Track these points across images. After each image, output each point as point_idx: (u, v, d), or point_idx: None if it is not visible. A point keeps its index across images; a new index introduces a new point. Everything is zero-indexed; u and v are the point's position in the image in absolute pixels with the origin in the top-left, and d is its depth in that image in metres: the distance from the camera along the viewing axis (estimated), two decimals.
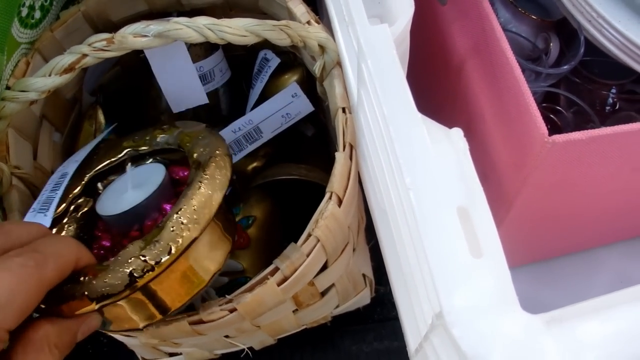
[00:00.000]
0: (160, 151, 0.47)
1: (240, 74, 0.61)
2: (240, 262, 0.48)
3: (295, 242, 0.41)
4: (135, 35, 0.37)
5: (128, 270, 0.34)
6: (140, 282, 0.34)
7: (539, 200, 0.46)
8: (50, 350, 0.32)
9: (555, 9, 0.56)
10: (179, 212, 0.36)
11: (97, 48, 0.37)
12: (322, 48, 0.42)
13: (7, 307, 0.28)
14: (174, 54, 0.42)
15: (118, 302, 0.35)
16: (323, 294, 0.49)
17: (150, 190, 0.41)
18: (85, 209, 0.46)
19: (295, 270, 0.41)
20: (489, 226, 0.28)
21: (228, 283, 0.48)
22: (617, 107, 0.59)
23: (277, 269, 0.40)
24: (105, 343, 0.64)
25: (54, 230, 0.44)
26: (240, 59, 0.61)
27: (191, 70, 0.43)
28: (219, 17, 0.40)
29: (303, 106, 0.54)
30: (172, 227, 0.36)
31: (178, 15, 0.54)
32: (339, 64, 0.44)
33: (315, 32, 0.41)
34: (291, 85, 0.54)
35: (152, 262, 0.34)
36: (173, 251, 0.35)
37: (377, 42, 0.32)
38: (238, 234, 0.48)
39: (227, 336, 0.48)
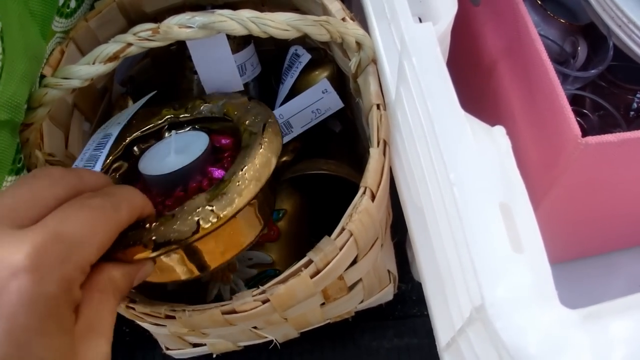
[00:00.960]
0: (200, 120, 0.50)
1: (269, 69, 0.61)
2: (269, 254, 0.48)
3: (322, 236, 0.42)
4: (180, 26, 0.37)
5: (196, 219, 0.36)
6: (205, 231, 0.36)
7: (567, 201, 0.46)
8: (113, 292, 0.33)
9: (583, 13, 0.56)
10: (244, 169, 0.39)
11: (142, 37, 0.38)
12: (358, 45, 0.43)
13: (90, 241, 0.30)
14: (214, 45, 0.43)
15: (176, 251, 0.37)
16: (350, 288, 0.50)
17: (196, 154, 0.43)
18: (122, 170, 0.47)
19: (328, 263, 0.41)
20: (530, 222, 0.28)
21: (256, 275, 0.49)
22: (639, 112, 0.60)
23: (310, 262, 0.41)
24: (128, 332, 0.65)
25: None
26: (271, 54, 0.62)
27: (230, 61, 0.44)
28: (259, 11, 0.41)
29: (333, 102, 0.55)
30: (238, 181, 0.38)
31: (212, 9, 0.55)
32: (374, 61, 0.45)
33: (353, 29, 0.42)
34: (322, 81, 0.55)
35: (220, 213, 0.37)
36: (237, 203, 0.37)
37: (422, 40, 0.32)
38: (268, 227, 0.48)
39: (255, 327, 0.49)
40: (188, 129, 0.50)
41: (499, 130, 0.30)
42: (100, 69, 0.38)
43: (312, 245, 0.41)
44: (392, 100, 0.41)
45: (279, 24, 0.37)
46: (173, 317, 0.42)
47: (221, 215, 0.37)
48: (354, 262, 0.45)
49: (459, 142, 0.29)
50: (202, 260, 0.40)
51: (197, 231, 0.36)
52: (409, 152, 0.37)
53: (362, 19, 0.47)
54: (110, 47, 0.38)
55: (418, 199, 0.37)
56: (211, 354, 0.60)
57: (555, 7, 0.59)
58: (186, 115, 0.50)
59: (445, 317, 0.36)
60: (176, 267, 0.39)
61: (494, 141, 0.30)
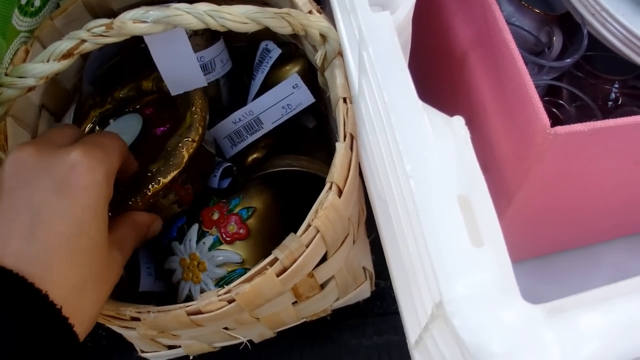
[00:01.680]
0: (125, 104, 0.57)
1: (241, 65, 0.60)
2: (239, 253, 0.47)
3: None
4: (134, 21, 0.36)
5: (184, 148, 0.46)
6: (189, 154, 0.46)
7: (540, 192, 0.45)
8: (134, 229, 0.43)
9: (558, 2, 0.55)
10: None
11: (96, 34, 0.37)
12: (323, 37, 0.42)
13: (115, 152, 0.40)
14: (173, 40, 0.41)
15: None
16: (323, 286, 0.49)
17: (136, 133, 0.52)
18: None
19: (295, 260, 0.40)
20: (490, 215, 0.27)
21: (227, 275, 0.48)
22: (619, 102, 0.59)
23: (276, 260, 0.40)
24: (104, 336, 0.64)
25: None
26: (242, 50, 0.61)
27: (191, 56, 0.43)
28: (219, 4, 0.40)
29: (304, 97, 0.54)
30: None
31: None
32: (340, 53, 0.44)
33: (316, 21, 0.41)
34: (292, 76, 0.54)
35: (191, 138, 0.46)
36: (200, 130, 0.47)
37: (379, 29, 0.31)
38: (237, 224, 0.47)
39: (226, 328, 0.48)
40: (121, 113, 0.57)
41: (458, 121, 0.29)
42: (55, 66, 0.37)
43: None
44: (356, 93, 0.40)
45: (237, 16, 0.36)
46: (138, 319, 0.41)
47: (196, 140, 0.47)
48: (324, 259, 0.44)
49: (416, 133, 0.28)
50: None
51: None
52: (373, 145, 0.36)
53: (330, 11, 0.46)
54: (64, 45, 0.37)
55: (383, 193, 0.36)
56: (187, 356, 0.59)
57: None
58: (110, 105, 0.56)
59: (412, 314, 0.35)
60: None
61: (453, 132, 0.29)
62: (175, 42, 0.42)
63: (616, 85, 0.58)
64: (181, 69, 0.44)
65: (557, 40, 0.56)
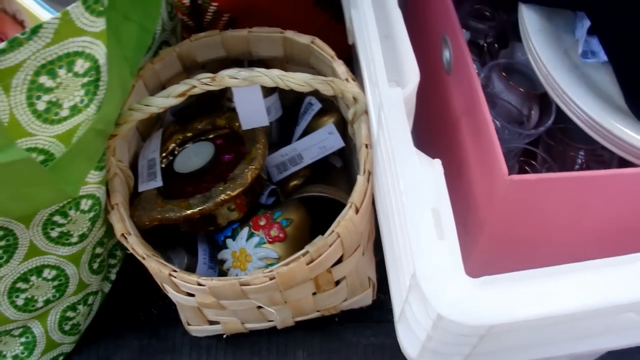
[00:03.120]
0: (201, 134, 0.74)
1: (289, 113, 0.78)
2: (277, 251, 0.63)
3: None
4: (230, 77, 0.53)
5: (249, 172, 0.63)
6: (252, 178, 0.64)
7: (505, 223, 0.61)
8: None
9: (540, 83, 0.72)
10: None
11: (203, 82, 0.54)
12: (355, 99, 0.59)
13: None
14: (251, 91, 0.59)
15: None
16: (337, 283, 0.64)
17: (207, 157, 0.69)
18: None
19: (320, 255, 0.56)
20: (450, 221, 0.43)
21: (265, 267, 0.63)
22: (585, 167, 0.74)
23: (307, 252, 0.56)
24: (155, 314, 0.79)
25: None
26: (290, 102, 0.78)
27: (261, 104, 0.61)
28: (278, 67, 0.57)
29: (336, 142, 0.71)
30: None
31: (249, 63, 0.72)
32: (365, 112, 0.61)
33: (351, 87, 0.58)
34: (328, 125, 0.71)
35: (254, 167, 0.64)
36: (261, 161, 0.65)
37: (392, 99, 0.48)
38: (278, 230, 0.64)
39: (260, 307, 0.64)
40: (196, 140, 0.74)
41: (437, 162, 0.45)
42: (172, 101, 0.54)
43: None
44: (375, 141, 0.56)
45: (298, 80, 0.53)
46: (203, 285, 0.57)
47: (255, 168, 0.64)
48: (340, 260, 0.60)
49: (408, 167, 0.45)
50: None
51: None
52: (382, 175, 0.53)
53: (361, 81, 0.63)
54: (181, 87, 0.54)
55: (385, 208, 0.52)
56: (221, 336, 0.75)
57: (520, 77, 0.75)
58: (190, 133, 0.73)
59: (398, 294, 0.51)
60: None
61: (433, 167, 0.45)
62: (252, 93, 0.59)
63: (582, 153, 0.73)
64: (252, 111, 0.61)
65: (535, 113, 0.72)
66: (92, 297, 0.74)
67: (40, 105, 0.49)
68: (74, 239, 0.62)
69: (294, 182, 0.72)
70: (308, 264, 0.56)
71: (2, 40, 0.51)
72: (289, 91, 0.65)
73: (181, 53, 0.71)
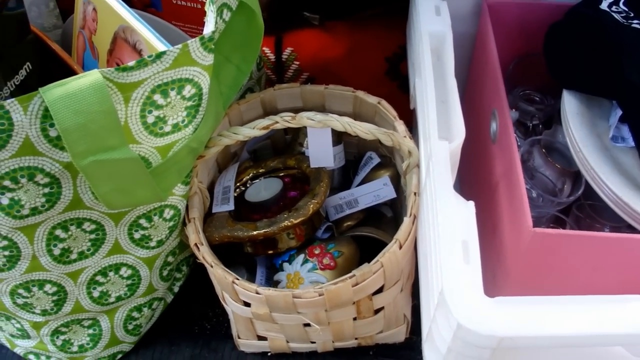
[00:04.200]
0: (272, 171, 0.85)
1: (350, 165, 0.88)
2: (326, 277, 0.73)
3: None
4: (308, 118, 0.64)
5: (311, 205, 0.72)
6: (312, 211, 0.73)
7: (528, 274, 0.68)
8: None
9: (574, 161, 0.80)
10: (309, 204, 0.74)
11: (285, 119, 0.65)
12: (410, 153, 0.69)
13: None
14: (323, 134, 0.70)
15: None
16: (376, 312, 0.73)
17: (276, 191, 0.81)
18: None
19: (365, 279, 0.65)
20: (476, 250, 0.52)
21: None
22: None
23: (353, 275, 0.65)
24: (208, 328, 0.89)
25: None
26: (352, 155, 0.89)
27: (330, 146, 0.72)
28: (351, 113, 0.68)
29: (389, 193, 0.80)
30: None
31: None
32: (417, 165, 0.71)
33: (408, 142, 0.68)
34: (384, 177, 0.81)
35: (317, 201, 0.74)
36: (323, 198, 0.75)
37: (440, 152, 0.58)
38: (330, 259, 0.73)
39: (306, 325, 0.72)
40: (267, 176, 0.85)
41: (470, 203, 0.55)
42: (256, 132, 0.66)
43: None
44: (422, 189, 0.66)
45: (364, 128, 0.64)
46: (260, 294, 0.66)
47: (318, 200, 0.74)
48: (381, 290, 0.69)
49: (447, 204, 0.54)
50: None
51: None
52: (425, 219, 0.62)
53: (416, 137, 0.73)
54: (265, 122, 0.66)
55: (424, 248, 0.61)
56: (266, 354, 0.84)
57: (558, 155, 0.84)
58: (262, 169, 0.84)
59: (427, 315, 0.59)
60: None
61: (467, 207, 0.54)
62: (323, 135, 0.70)
63: (607, 229, 0.81)
64: (321, 152, 0.72)
65: (568, 187, 0.81)
66: (156, 303, 0.84)
67: (150, 119, 0.60)
68: (153, 244, 0.73)
69: (348, 223, 0.82)
70: (353, 286, 0.65)
71: (119, 65, 0.63)
72: (352, 146, 0.77)
73: (264, 99, 0.83)
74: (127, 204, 0.64)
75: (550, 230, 0.62)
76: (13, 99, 0.53)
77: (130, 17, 0.67)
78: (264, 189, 0.80)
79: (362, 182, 0.83)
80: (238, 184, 0.83)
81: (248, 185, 0.83)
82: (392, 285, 0.70)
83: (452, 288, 0.51)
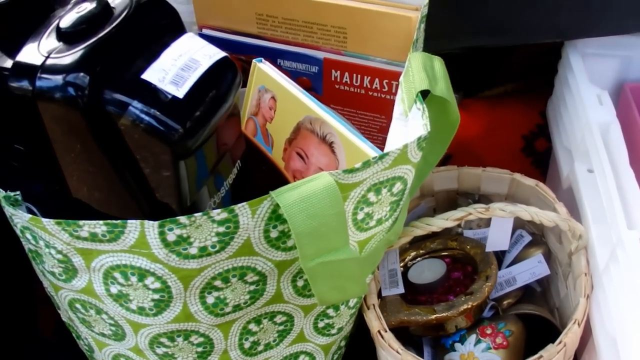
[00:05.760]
0: (433, 252, 0.89)
1: None
2: (500, 356, 0.77)
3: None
4: (500, 209, 0.69)
5: (486, 288, 0.77)
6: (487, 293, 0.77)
7: None
8: None
9: None
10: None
11: (478, 211, 0.70)
12: (580, 236, 0.73)
13: None
14: (505, 222, 0.75)
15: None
16: None
17: (440, 273, 0.84)
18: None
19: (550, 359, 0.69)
20: None
21: None
22: None
23: (541, 356, 0.69)
24: None
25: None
26: None
27: (509, 232, 0.77)
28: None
29: (543, 270, 0.85)
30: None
31: (478, 198, 0.89)
32: (585, 247, 0.75)
33: (579, 226, 0.73)
34: (538, 255, 0.85)
35: (490, 284, 0.77)
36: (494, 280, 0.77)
37: (628, 242, 0.63)
38: (502, 339, 0.78)
39: None
40: (428, 257, 0.89)
41: None
42: (450, 223, 0.71)
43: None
44: (599, 272, 0.70)
45: (548, 217, 0.69)
46: None
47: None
48: None
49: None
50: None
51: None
52: (610, 301, 0.66)
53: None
54: (458, 213, 0.71)
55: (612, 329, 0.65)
56: None
57: None
58: (422, 250, 0.88)
59: None
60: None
61: None
62: (505, 223, 0.75)
63: None
64: (500, 237, 0.77)
65: None
66: None
67: (360, 215, 0.63)
68: (334, 331, 0.77)
69: (508, 300, 0.86)
70: None
71: (300, 155, 0.66)
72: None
73: (424, 185, 0.88)
74: (339, 300, 0.68)
75: None
76: (244, 203, 0.54)
77: (319, 109, 0.72)
78: (427, 270, 0.84)
79: (515, 261, 0.88)
80: (400, 265, 0.88)
81: (408, 267, 0.88)
82: None
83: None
